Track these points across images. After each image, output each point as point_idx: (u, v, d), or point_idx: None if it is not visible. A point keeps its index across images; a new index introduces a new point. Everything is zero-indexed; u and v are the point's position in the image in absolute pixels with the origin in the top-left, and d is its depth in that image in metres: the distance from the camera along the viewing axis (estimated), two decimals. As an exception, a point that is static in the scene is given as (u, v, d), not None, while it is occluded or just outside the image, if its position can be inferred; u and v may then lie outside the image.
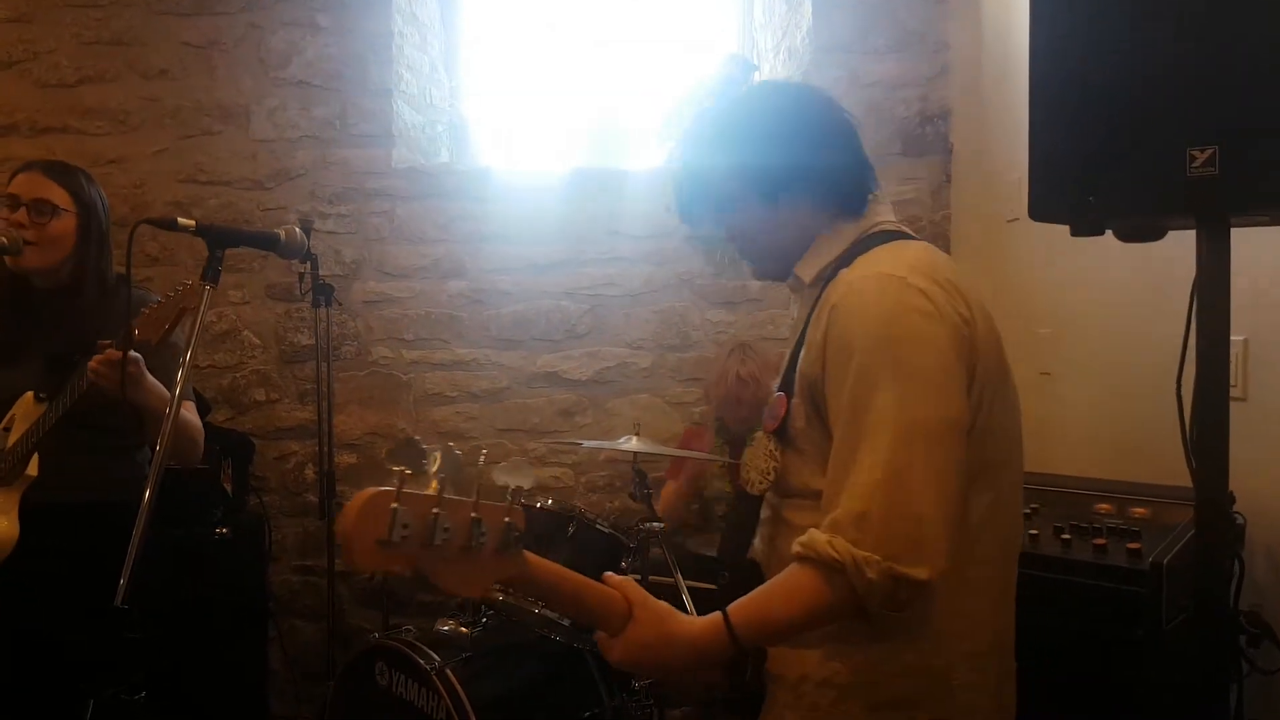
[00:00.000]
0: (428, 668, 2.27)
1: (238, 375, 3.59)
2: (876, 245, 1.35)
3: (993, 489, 1.31)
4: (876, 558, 1.16)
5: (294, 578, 3.57)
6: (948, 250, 3.53)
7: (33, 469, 2.14)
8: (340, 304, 3.33)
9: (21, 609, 2.13)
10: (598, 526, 2.42)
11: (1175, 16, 1.30)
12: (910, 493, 1.18)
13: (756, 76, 3.41)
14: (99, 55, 3.54)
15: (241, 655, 3.17)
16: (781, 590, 1.24)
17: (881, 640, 1.28)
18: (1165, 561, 1.84)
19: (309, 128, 3.57)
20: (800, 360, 1.33)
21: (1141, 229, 1.44)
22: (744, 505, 1.46)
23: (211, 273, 1.90)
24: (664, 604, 1.25)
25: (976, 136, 3.36)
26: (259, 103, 3.56)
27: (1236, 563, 1.89)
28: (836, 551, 1.17)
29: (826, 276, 1.36)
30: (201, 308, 1.88)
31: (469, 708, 2.19)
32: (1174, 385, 1.47)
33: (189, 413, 2.23)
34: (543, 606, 2.23)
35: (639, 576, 2.33)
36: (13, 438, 2.16)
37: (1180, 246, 1.40)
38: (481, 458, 1.18)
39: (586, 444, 3.01)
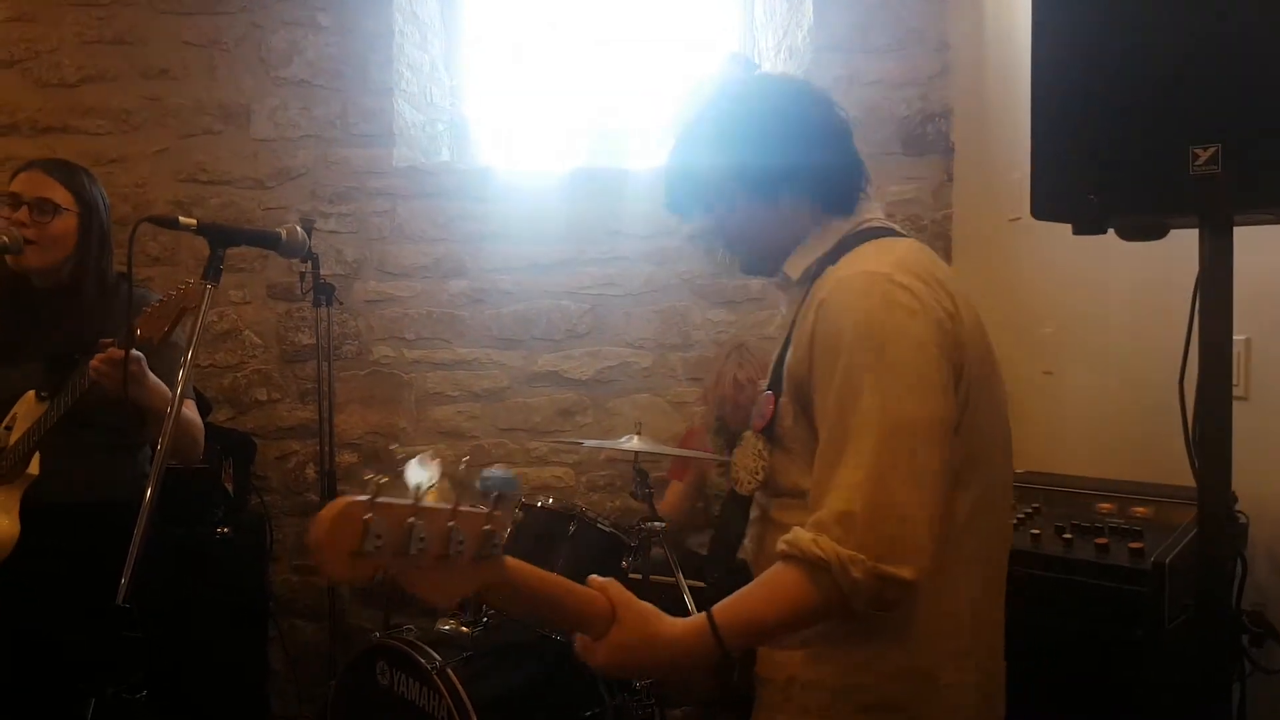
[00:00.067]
0: (429, 667, 2.27)
1: (239, 375, 3.59)
2: (863, 243, 1.34)
3: (980, 486, 1.30)
4: (862, 556, 1.15)
5: (295, 577, 3.57)
6: (949, 250, 3.54)
7: (34, 468, 2.14)
8: (341, 303, 3.33)
9: (22, 608, 2.13)
10: (599, 526, 2.42)
11: (1178, 14, 1.29)
12: (895, 491, 1.17)
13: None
14: (100, 54, 3.54)
15: (242, 655, 3.16)
16: (766, 590, 1.23)
17: (869, 641, 1.28)
18: (1167, 561, 1.84)
19: (310, 127, 3.57)
20: (787, 359, 1.33)
21: (1144, 228, 1.43)
22: (733, 505, 1.45)
23: (213, 272, 1.90)
24: (648, 605, 1.23)
25: (978, 135, 3.36)
26: (260, 102, 3.56)
27: (1239, 562, 1.89)
28: (822, 550, 1.17)
29: (813, 274, 1.35)
30: (203, 307, 1.88)
31: (470, 707, 2.19)
32: (1176, 384, 1.47)
33: (190, 411, 2.23)
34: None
35: (640, 576, 2.33)
36: (14, 436, 2.16)
37: (1183, 245, 1.40)
38: (463, 463, 1.17)
39: (587, 443, 3.01)
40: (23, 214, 2.18)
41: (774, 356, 1.41)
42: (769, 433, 1.35)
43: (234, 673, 3.08)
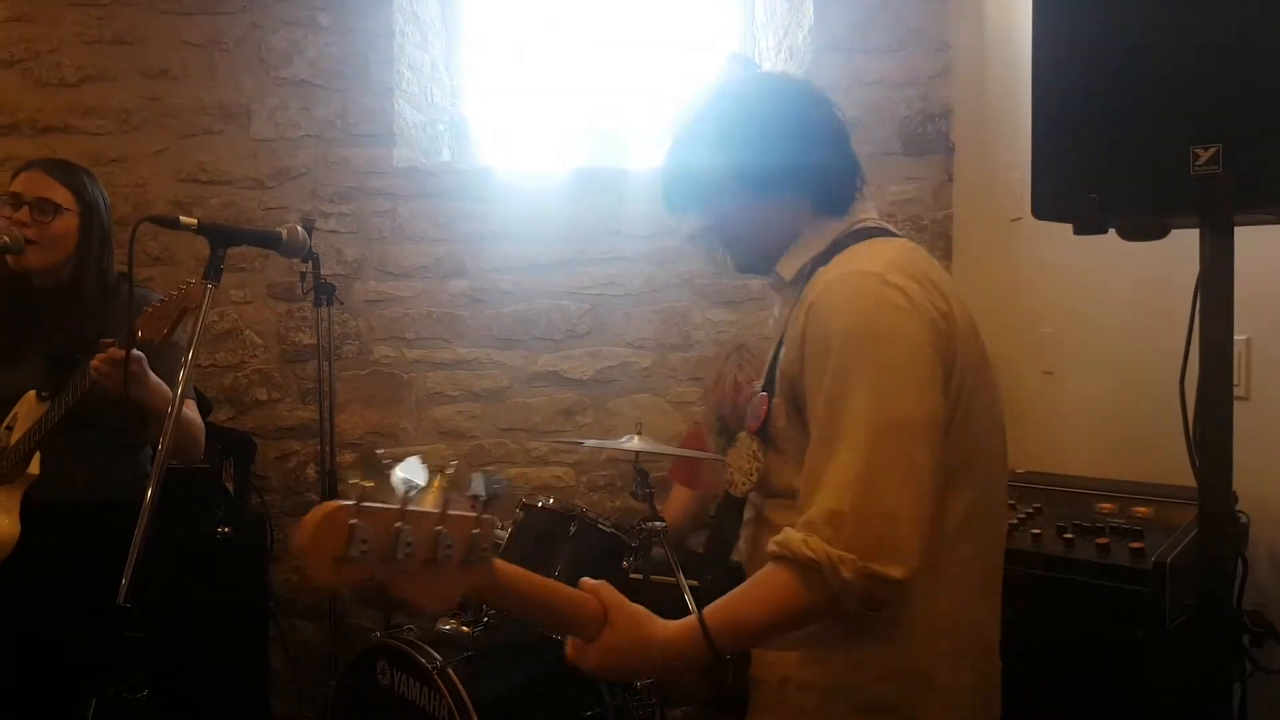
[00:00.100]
0: (429, 667, 2.27)
1: (239, 374, 3.58)
2: (856, 243, 1.34)
3: (975, 488, 1.30)
4: (851, 556, 1.15)
5: (295, 577, 3.56)
6: (949, 250, 3.54)
7: (34, 468, 2.14)
8: (342, 303, 3.33)
9: (23, 608, 2.13)
10: (599, 526, 2.42)
11: (1178, 14, 1.29)
12: (884, 491, 1.17)
13: (758, 76, 3.40)
14: (100, 54, 3.54)
15: (243, 654, 3.16)
16: (757, 591, 1.23)
17: (863, 642, 1.28)
18: (1168, 561, 1.84)
19: (310, 127, 3.56)
20: (780, 359, 1.33)
21: (1144, 228, 1.43)
22: (728, 506, 1.45)
23: (213, 272, 1.90)
24: (640, 608, 1.23)
25: (978, 135, 3.36)
26: (260, 102, 3.56)
27: (1240, 562, 1.89)
28: (812, 550, 1.16)
29: (806, 274, 1.35)
30: (203, 307, 1.88)
31: (470, 707, 2.19)
32: (1177, 384, 1.47)
33: (190, 411, 2.23)
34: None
35: (641, 576, 2.33)
36: (15, 436, 2.16)
37: (1183, 245, 1.40)
38: (451, 466, 1.17)
39: (588, 443, 3.01)
40: (24, 214, 2.18)
41: (768, 357, 1.41)
42: (763, 434, 1.35)
43: (234, 673, 3.08)
